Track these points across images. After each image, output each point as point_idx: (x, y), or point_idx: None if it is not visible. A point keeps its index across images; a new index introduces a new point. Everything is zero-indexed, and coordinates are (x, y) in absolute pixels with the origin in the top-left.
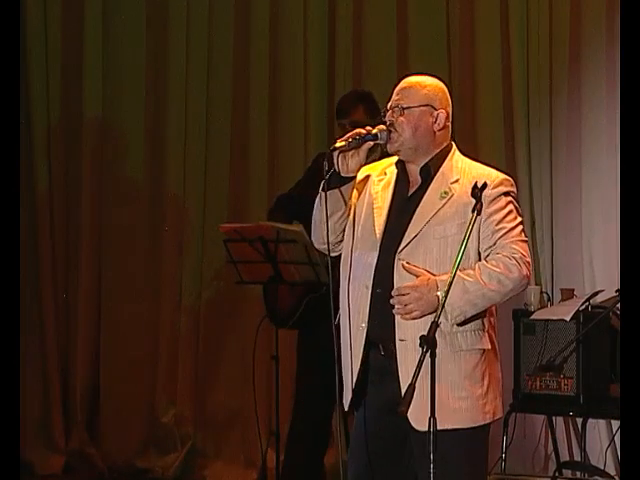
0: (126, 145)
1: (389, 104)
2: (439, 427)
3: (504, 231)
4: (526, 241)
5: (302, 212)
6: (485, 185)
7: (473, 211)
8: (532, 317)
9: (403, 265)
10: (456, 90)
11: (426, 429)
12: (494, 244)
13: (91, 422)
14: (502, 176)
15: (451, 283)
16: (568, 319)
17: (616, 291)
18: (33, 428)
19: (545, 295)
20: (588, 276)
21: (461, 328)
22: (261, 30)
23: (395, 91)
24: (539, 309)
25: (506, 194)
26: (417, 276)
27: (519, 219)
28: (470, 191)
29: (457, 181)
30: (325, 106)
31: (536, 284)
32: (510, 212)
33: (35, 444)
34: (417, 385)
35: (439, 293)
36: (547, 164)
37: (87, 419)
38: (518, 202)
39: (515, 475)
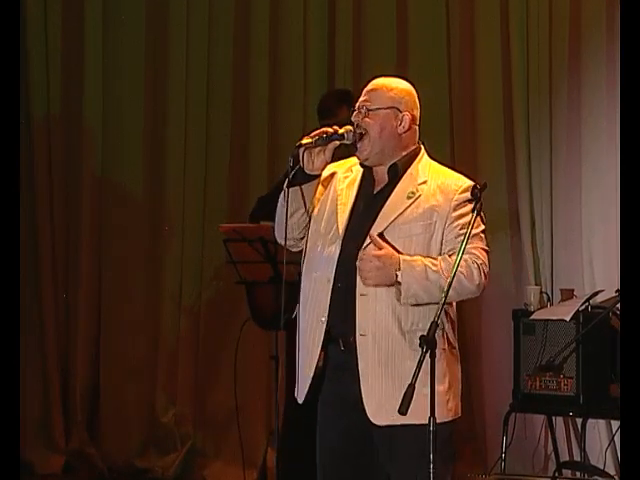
0: (126, 145)
1: (357, 105)
2: (400, 422)
3: (466, 236)
4: (488, 251)
5: None
6: (485, 185)
7: (473, 211)
8: (532, 317)
9: (371, 235)
10: (456, 90)
11: (385, 423)
12: (456, 247)
13: (91, 422)
14: (470, 182)
15: (451, 283)
16: (568, 319)
17: (616, 291)
18: (33, 428)
19: (545, 295)
20: (588, 276)
21: (421, 327)
22: (261, 30)
23: (363, 92)
24: (539, 309)
25: (471, 201)
26: (381, 248)
27: (482, 227)
28: (438, 196)
29: (425, 182)
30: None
31: (536, 284)
32: (477, 215)
33: (35, 444)
34: (375, 380)
35: (400, 272)
36: (547, 164)
37: (87, 419)
38: (482, 210)
39: (515, 475)
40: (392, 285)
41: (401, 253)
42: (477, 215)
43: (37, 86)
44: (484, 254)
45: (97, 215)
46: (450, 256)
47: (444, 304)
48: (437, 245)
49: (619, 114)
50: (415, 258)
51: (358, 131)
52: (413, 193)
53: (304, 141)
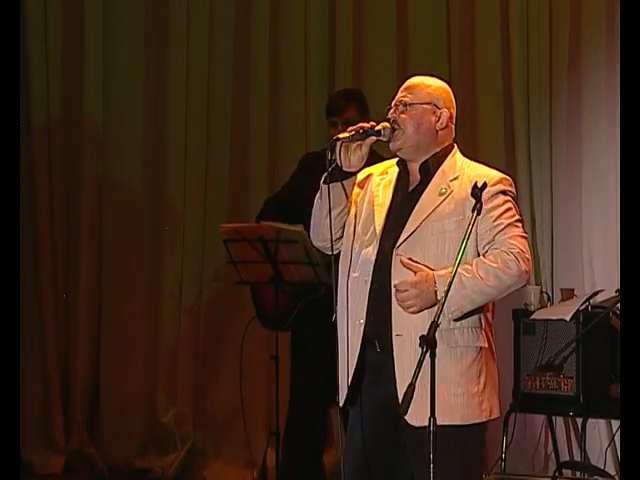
0: (126, 145)
1: (393, 102)
2: (439, 423)
3: (502, 227)
4: (526, 237)
5: (294, 213)
6: (485, 185)
7: (473, 210)
8: (532, 317)
9: (402, 261)
10: (456, 90)
11: (420, 424)
12: (492, 239)
13: (91, 422)
14: (501, 175)
15: (451, 282)
16: (568, 319)
17: (616, 291)
18: (33, 428)
19: (545, 295)
20: (588, 276)
21: (458, 324)
22: (261, 30)
23: (400, 89)
24: (539, 309)
25: (504, 192)
26: (415, 272)
27: (517, 217)
28: (470, 189)
29: (456, 178)
30: (325, 106)
31: (536, 284)
32: (508, 209)
33: (35, 444)
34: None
35: (438, 289)
36: (547, 164)
37: (87, 419)
38: (517, 202)
39: (515, 475)
40: (435, 305)
41: (432, 269)
42: (477, 215)
43: (37, 86)
44: (521, 240)
45: (97, 215)
46: (485, 255)
47: (444, 304)
48: (473, 240)
49: (619, 114)
50: (449, 270)
51: (395, 127)
52: (445, 189)
53: (341, 135)
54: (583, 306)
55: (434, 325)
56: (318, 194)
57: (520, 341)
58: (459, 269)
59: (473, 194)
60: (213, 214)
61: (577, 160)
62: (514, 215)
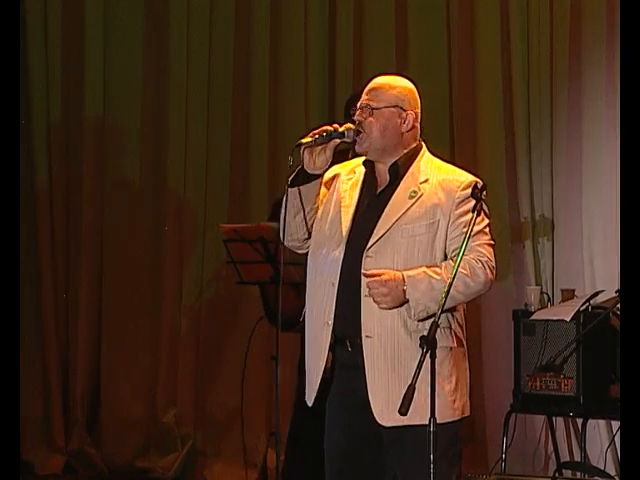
0: (126, 145)
1: (358, 103)
2: (407, 422)
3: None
4: (493, 245)
5: None
6: (485, 186)
7: (473, 211)
8: (532, 317)
9: (364, 273)
10: (456, 90)
11: (392, 424)
12: (461, 246)
13: (91, 422)
14: (472, 178)
15: (451, 284)
16: (568, 319)
17: (616, 291)
18: (33, 428)
19: (545, 295)
20: (588, 276)
21: (427, 326)
22: (261, 30)
23: (365, 91)
24: (539, 309)
25: (474, 197)
26: (380, 275)
27: (486, 221)
28: (440, 193)
29: (426, 181)
30: (325, 106)
31: (536, 284)
32: (477, 215)
33: (35, 444)
34: (382, 381)
35: (406, 289)
36: (547, 164)
37: (87, 419)
38: (486, 204)
39: (515, 475)
40: (404, 304)
41: (400, 271)
42: (477, 215)
43: (37, 86)
44: (488, 249)
45: (97, 215)
46: (453, 258)
47: (444, 304)
48: (441, 244)
49: (619, 114)
50: (417, 271)
51: (359, 130)
52: (415, 192)
53: (304, 140)
54: (583, 306)
55: (434, 325)
56: (284, 197)
57: (520, 341)
58: (429, 271)
59: (473, 194)
60: (213, 214)
61: (577, 160)
62: (483, 220)
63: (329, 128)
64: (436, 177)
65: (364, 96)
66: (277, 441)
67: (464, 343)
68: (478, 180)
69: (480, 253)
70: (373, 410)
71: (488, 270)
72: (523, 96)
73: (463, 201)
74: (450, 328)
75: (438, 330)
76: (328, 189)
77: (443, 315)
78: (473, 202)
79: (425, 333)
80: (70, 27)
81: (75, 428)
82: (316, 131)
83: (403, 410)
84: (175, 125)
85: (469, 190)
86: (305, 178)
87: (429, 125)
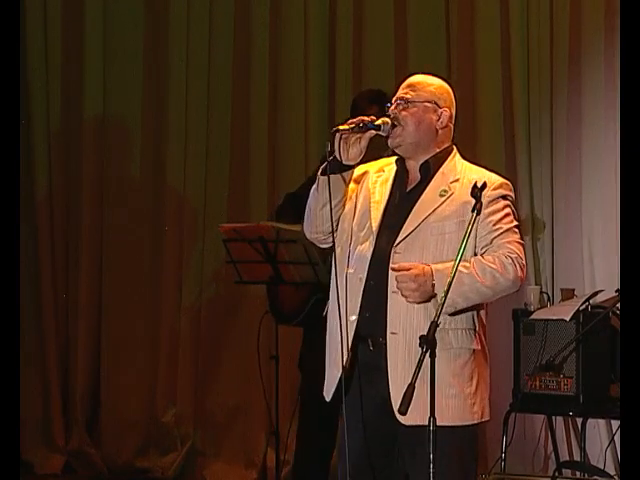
0: (126, 145)
1: (394, 98)
2: (424, 422)
3: (501, 231)
4: (523, 244)
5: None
6: (485, 185)
7: (473, 210)
8: (532, 317)
9: (392, 267)
10: (456, 90)
11: (412, 423)
12: (490, 243)
13: (91, 422)
14: (502, 180)
15: (450, 282)
16: (568, 319)
17: (616, 291)
18: (33, 428)
19: (545, 295)
20: (588, 276)
21: (452, 325)
22: (261, 30)
23: (402, 86)
24: (539, 309)
25: (504, 197)
26: (409, 269)
27: (515, 222)
28: (470, 191)
29: (457, 181)
30: (325, 106)
31: (536, 284)
32: (507, 215)
33: (35, 444)
34: (404, 378)
35: (435, 282)
36: (547, 164)
37: (87, 419)
38: (516, 207)
39: (515, 475)
40: (432, 298)
41: (428, 265)
42: (477, 215)
43: (37, 86)
44: (518, 246)
45: (97, 215)
46: (483, 255)
47: (444, 304)
48: (471, 242)
49: (619, 114)
50: (446, 265)
51: (395, 123)
52: (445, 191)
53: (341, 127)
54: (583, 306)
55: (434, 325)
56: (315, 185)
57: (520, 341)
58: (458, 267)
59: (473, 194)
60: (213, 214)
61: (577, 160)
62: (512, 221)
63: (366, 119)
64: (467, 177)
65: (400, 91)
66: (277, 441)
67: (486, 348)
68: (508, 182)
69: (510, 250)
70: (394, 408)
71: (518, 267)
72: (523, 97)
73: (493, 200)
74: (475, 330)
75: (463, 332)
76: (357, 185)
77: (468, 315)
78: (502, 202)
79: (450, 333)
80: (70, 25)
81: (75, 428)
82: (353, 120)
83: (403, 409)
84: (175, 125)
85: (500, 190)
86: (337, 168)
87: None
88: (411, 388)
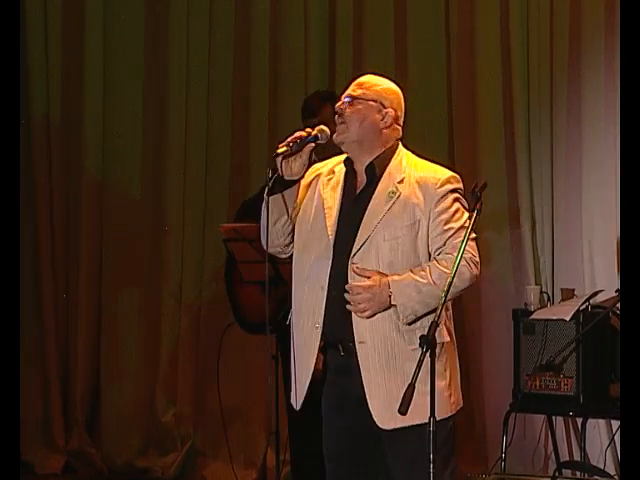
0: (126, 146)
1: (342, 95)
2: (405, 424)
3: (452, 231)
4: (475, 239)
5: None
6: (485, 185)
7: (473, 210)
8: (532, 317)
9: (354, 270)
10: (456, 90)
11: (391, 427)
12: (444, 244)
13: (91, 422)
14: (448, 173)
15: (451, 282)
16: (568, 319)
17: (616, 291)
18: (33, 428)
19: (545, 295)
20: (588, 276)
21: (418, 324)
22: (261, 31)
23: (351, 84)
24: (539, 309)
25: (452, 191)
26: (369, 277)
27: (466, 215)
28: (418, 192)
29: (403, 180)
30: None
31: (536, 284)
32: (457, 210)
33: (35, 444)
34: (379, 384)
35: (392, 293)
36: (547, 164)
37: (87, 419)
38: (465, 198)
39: (515, 475)
40: (389, 309)
41: (385, 274)
42: (477, 214)
43: (37, 86)
44: (471, 244)
45: (97, 215)
46: (438, 259)
47: (444, 304)
48: (424, 243)
49: (619, 115)
50: (404, 276)
51: (340, 120)
52: (394, 192)
53: (280, 150)
54: (583, 306)
55: (434, 325)
56: (263, 204)
57: (520, 341)
58: (415, 275)
59: (473, 194)
60: (213, 214)
61: (577, 160)
62: (463, 215)
63: (302, 134)
64: (413, 175)
65: (349, 88)
66: (277, 441)
67: (453, 336)
68: (455, 175)
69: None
70: (372, 413)
71: (472, 266)
72: (523, 96)
73: (441, 198)
74: (441, 324)
75: (426, 329)
76: (308, 190)
77: (431, 313)
78: (451, 197)
79: (418, 332)
80: (70, 24)
81: (75, 428)
82: (290, 139)
83: (403, 410)
84: (175, 125)
85: (447, 186)
86: (283, 185)
87: (429, 125)
88: (411, 388)
